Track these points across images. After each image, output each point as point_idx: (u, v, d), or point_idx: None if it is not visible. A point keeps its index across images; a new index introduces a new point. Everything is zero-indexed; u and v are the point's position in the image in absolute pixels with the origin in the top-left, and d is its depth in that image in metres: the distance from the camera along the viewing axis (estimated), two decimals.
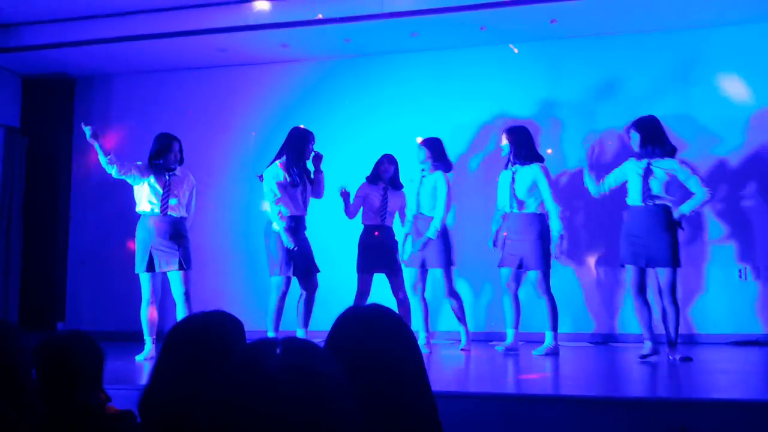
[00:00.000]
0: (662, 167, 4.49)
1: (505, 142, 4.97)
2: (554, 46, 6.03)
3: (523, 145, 4.89)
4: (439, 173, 5.08)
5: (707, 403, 2.85)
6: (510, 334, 4.86)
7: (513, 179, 4.87)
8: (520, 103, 6.05)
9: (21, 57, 6.35)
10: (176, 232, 4.96)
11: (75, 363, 1.73)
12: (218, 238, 6.52)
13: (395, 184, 5.38)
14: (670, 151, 4.55)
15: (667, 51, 5.83)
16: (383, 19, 5.50)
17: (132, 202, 6.75)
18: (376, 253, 5.17)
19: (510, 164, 4.94)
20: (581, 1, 5.25)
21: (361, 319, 1.56)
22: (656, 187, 4.47)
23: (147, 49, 6.19)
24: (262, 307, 6.03)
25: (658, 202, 4.47)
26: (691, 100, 5.76)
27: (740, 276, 5.53)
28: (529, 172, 4.83)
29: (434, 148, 5.12)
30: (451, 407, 2.74)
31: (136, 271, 5.00)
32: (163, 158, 5.01)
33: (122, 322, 6.48)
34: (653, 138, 4.52)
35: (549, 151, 5.61)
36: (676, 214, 4.45)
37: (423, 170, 5.15)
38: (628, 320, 5.61)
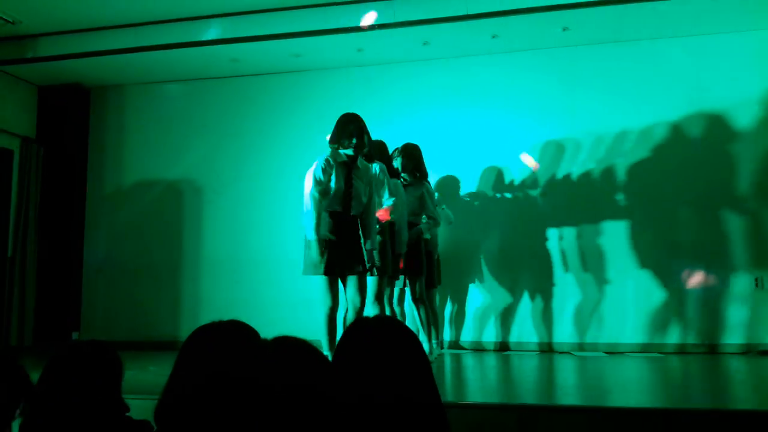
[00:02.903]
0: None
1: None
2: (566, 54, 6.03)
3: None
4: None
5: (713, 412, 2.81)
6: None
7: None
8: (532, 111, 6.05)
9: (37, 68, 6.44)
10: None
11: (94, 372, 1.74)
12: (234, 247, 6.54)
13: None
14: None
15: (678, 57, 5.81)
16: (395, 28, 5.53)
17: (146, 212, 6.84)
18: None
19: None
20: (593, 9, 5.25)
21: (368, 329, 1.56)
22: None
23: (160, 59, 6.25)
24: (278, 316, 6.05)
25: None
26: (703, 105, 5.74)
27: (756, 285, 5.48)
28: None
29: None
30: (461, 417, 2.73)
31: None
32: None
33: (137, 331, 6.52)
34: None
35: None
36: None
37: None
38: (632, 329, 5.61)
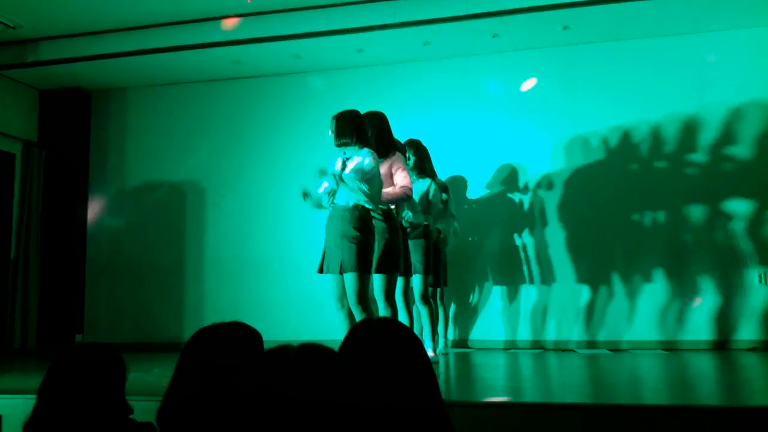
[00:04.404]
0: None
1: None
2: (567, 52, 6.02)
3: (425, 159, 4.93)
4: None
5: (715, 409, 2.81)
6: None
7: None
8: (533, 109, 6.05)
9: (38, 72, 6.45)
10: None
11: (98, 375, 1.74)
12: (238, 248, 6.54)
13: None
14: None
15: (678, 55, 5.80)
16: (395, 29, 5.53)
17: (149, 214, 6.85)
18: None
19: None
20: (593, 8, 5.25)
21: (371, 331, 1.56)
22: None
23: (161, 62, 6.25)
24: (283, 316, 6.05)
25: None
26: (704, 103, 5.72)
27: (759, 281, 5.48)
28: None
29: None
30: (465, 415, 2.73)
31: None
32: None
33: (141, 333, 6.52)
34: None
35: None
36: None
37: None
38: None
